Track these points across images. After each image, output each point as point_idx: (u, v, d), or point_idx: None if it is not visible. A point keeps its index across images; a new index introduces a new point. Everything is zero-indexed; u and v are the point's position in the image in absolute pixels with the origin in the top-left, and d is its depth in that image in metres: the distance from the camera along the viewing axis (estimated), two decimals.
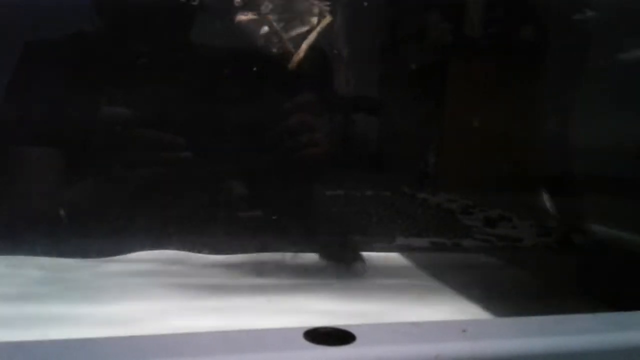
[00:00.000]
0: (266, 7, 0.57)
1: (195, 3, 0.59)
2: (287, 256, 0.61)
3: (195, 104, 0.58)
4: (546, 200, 0.69)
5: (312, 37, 0.59)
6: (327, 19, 0.59)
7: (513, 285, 0.60)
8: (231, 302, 0.51)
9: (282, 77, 0.60)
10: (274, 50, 0.59)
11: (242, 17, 0.58)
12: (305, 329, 0.33)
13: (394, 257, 0.67)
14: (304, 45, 0.58)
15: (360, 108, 0.68)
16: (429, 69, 0.70)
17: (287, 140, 0.58)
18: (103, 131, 0.57)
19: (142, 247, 0.61)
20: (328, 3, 0.60)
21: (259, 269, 0.59)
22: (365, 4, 0.64)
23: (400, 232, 0.70)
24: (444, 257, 0.69)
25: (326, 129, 0.62)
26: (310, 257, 0.62)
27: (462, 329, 0.34)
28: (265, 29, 0.58)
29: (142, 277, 0.57)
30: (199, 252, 0.62)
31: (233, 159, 0.59)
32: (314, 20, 0.59)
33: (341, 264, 0.61)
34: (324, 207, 0.66)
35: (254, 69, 0.58)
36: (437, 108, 0.70)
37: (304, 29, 0.59)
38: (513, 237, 0.72)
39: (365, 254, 0.63)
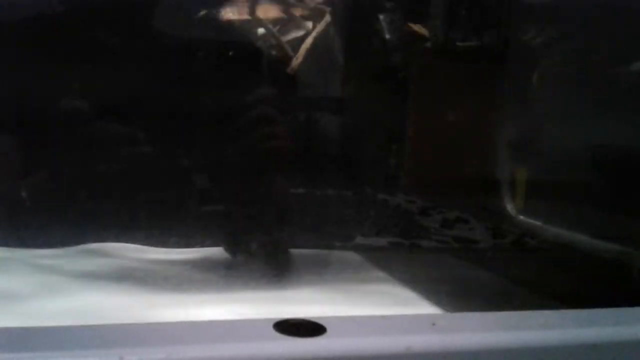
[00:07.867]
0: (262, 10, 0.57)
1: None
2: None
3: (157, 96, 0.57)
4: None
5: (309, 40, 0.59)
6: (326, 20, 0.59)
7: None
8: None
9: (244, 72, 0.60)
10: (273, 53, 0.59)
11: (231, 14, 0.57)
12: (275, 320, 0.32)
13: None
14: (302, 49, 0.58)
15: (322, 108, 0.68)
16: (393, 70, 0.70)
17: (248, 133, 0.58)
18: (61, 125, 0.55)
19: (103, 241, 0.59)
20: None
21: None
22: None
23: (360, 232, 0.70)
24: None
25: (288, 124, 0.61)
26: None
27: (431, 322, 0.34)
28: (262, 30, 0.58)
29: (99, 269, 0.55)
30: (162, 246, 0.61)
31: (195, 152, 0.58)
32: (309, 24, 0.59)
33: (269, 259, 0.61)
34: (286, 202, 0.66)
35: (218, 60, 0.58)
36: (400, 109, 0.71)
37: (300, 32, 0.59)
38: (469, 239, 0.73)
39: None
